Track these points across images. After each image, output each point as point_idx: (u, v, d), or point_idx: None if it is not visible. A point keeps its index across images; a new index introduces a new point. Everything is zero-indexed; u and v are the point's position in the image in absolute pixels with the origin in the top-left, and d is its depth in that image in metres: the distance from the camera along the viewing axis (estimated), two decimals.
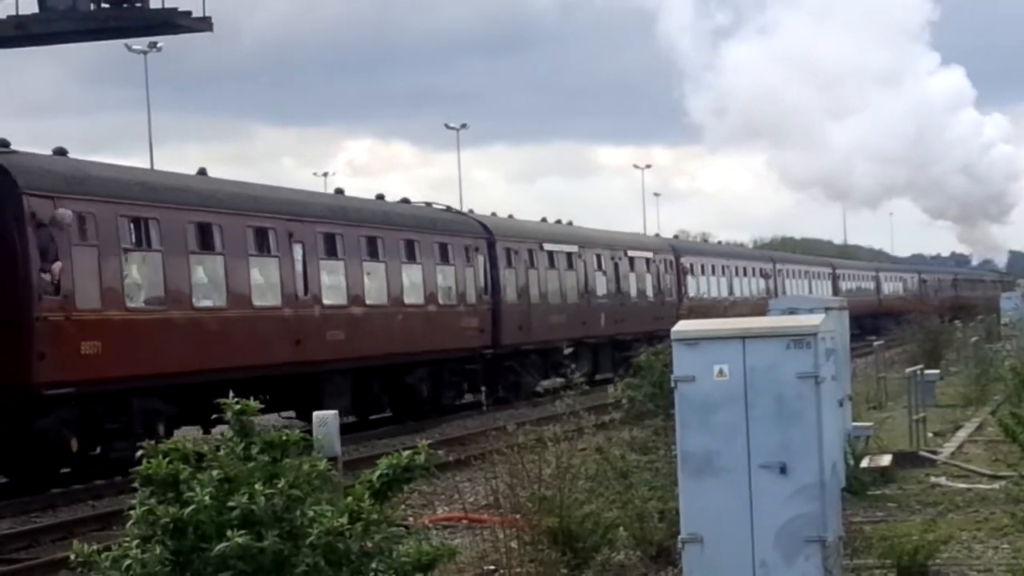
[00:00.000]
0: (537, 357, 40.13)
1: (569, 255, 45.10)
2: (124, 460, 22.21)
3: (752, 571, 11.94)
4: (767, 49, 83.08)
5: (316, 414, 14.03)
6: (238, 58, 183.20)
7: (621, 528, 14.46)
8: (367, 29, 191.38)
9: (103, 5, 29.81)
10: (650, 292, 51.57)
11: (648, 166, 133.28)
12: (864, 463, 19.82)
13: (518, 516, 13.97)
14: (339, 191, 36.86)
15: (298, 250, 30.06)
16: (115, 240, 24.91)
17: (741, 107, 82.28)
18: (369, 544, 8.47)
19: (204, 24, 30.64)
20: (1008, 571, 13.22)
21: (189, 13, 29.81)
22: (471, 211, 43.87)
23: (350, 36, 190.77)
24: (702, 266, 57.99)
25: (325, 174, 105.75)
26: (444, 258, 36.95)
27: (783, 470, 11.90)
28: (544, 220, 48.84)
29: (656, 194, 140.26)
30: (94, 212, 24.35)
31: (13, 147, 24.49)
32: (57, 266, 23.37)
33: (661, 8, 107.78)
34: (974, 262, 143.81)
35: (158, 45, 73.41)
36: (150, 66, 78.52)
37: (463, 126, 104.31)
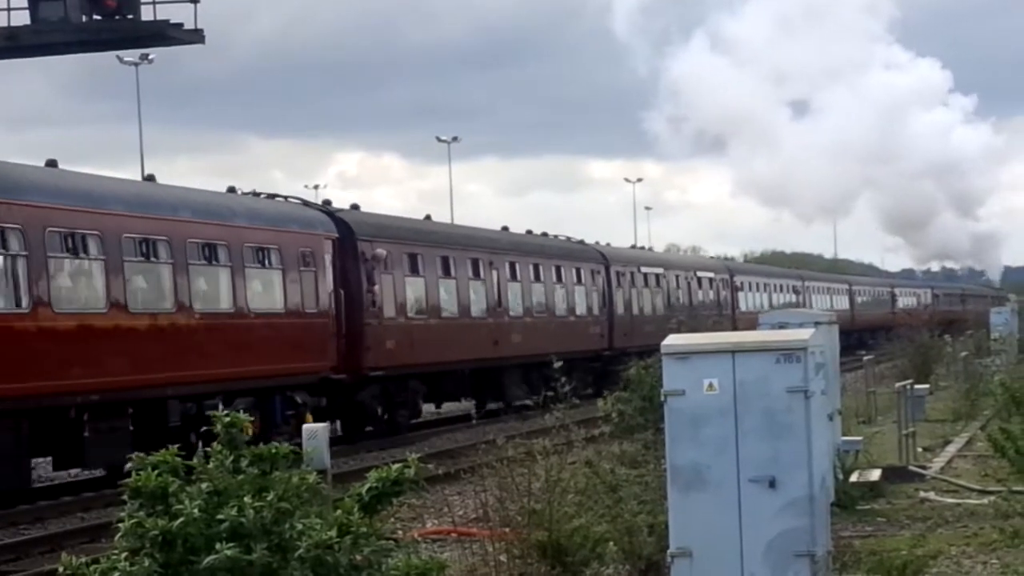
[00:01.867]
0: (636, 358, 42.82)
1: (657, 276, 54.75)
2: (402, 425, 35.03)
3: None
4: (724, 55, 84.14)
5: (306, 427, 14.06)
6: (230, 70, 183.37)
7: (610, 542, 14.44)
8: (359, 42, 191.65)
9: (95, 17, 29.77)
10: (713, 306, 59.71)
11: (639, 180, 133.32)
12: (853, 478, 19.83)
13: (507, 530, 13.95)
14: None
15: (495, 275, 40.47)
16: (402, 271, 35.33)
17: (700, 116, 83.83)
18: (358, 557, 8.47)
19: (196, 36, 30.58)
20: None
21: (181, 25, 29.73)
22: (584, 241, 52.94)
23: (342, 48, 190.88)
24: (749, 283, 68.21)
25: (316, 187, 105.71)
26: (579, 279, 47.19)
27: (772, 484, 11.90)
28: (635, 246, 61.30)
29: (648, 208, 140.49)
30: (391, 251, 34.41)
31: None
32: (376, 288, 33.35)
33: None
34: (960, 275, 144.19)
35: (150, 57, 73.38)
36: (141, 78, 78.53)
37: (454, 139, 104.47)
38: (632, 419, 19.63)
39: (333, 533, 8.33)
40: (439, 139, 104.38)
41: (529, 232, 48.13)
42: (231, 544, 8.05)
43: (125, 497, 8.60)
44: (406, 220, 39.97)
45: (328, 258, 31.88)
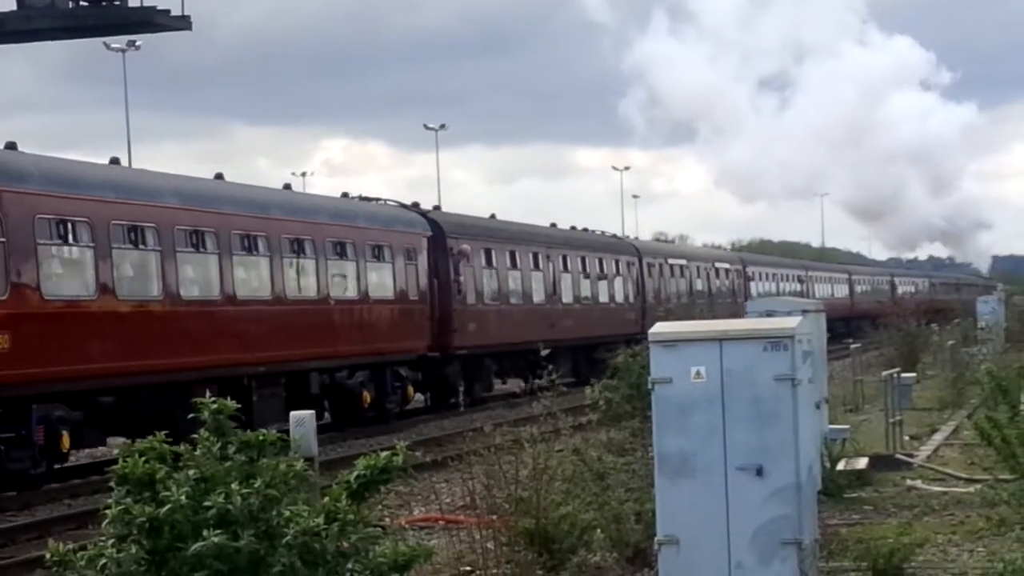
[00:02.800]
0: None
1: (681, 267, 60.18)
2: (477, 398, 38.93)
3: (728, 573, 11.96)
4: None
5: (293, 414, 14.05)
6: (216, 56, 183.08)
7: (598, 530, 14.46)
8: (345, 29, 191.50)
9: (82, 3, 29.70)
10: (729, 294, 64.71)
11: (627, 168, 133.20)
12: (840, 466, 19.85)
13: (495, 517, 13.97)
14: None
15: (551, 266, 45.95)
16: (479, 263, 40.69)
17: (669, 102, 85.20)
18: (345, 544, 8.47)
19: (183, 23, 30.51)
20: (983, 574, 13.25)
21: (168, 12, 29.67)
22: (617, 236, 60.00)
23: (328, 36, 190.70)
24: (760, 273, 73.90)
25: (304, 174, 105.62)
26: (617, 271, 52.11)
27: (759, 472, 11.92)
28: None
29: (635, 196, 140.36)
30: (469, 247, 39.50)
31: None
32: (461, 279, 38.64)
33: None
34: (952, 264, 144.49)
35: (137, 43, 73.22)
36: (127, 64, 78.36)
37: (442, 127, 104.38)
38: (619, 407, 19.61)
39: (320, 520, 8.32)
40: (427, 127, 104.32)
41: (573, 228, 53.62)
42: (218, 531, 8.04)
43: (112, 484, 8.59)
44: (480, 219, 45.12)
45: (425, 253, 37.54)
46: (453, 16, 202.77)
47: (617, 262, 52.26)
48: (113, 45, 73.77)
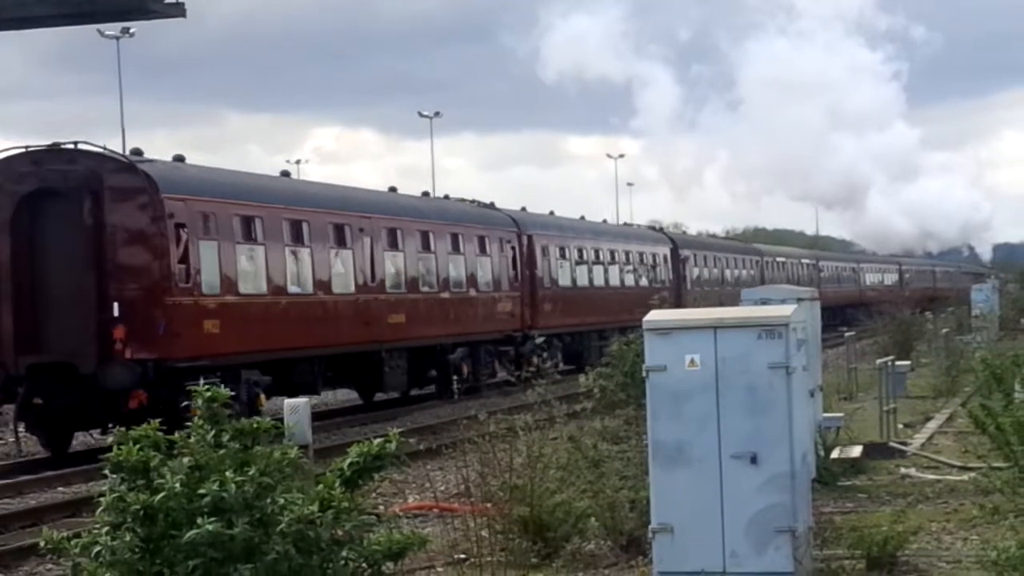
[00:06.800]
0: None
1: (715, 257, 66.87)
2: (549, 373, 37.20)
3: (722, 561, 11.97)
4: None
5: (287, 402, 14.06)
6: (208, 43, 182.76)
7: (592, 518, 14.48)
8: (337, 16, 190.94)
9: None
10: (748, 279, 68.35)
11: (621, 155, 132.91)
12: (835, 454, 19.87)
13: (489, 505, 13.97)
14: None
15: (605, 257, 51.57)
16: (555, 255, 46.43)
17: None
18: (339, 532, 8.48)
19: (178, 10, 30.45)
20: (977, 562, 13.26)
21: None
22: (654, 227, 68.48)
23: (320, 22, 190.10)
24: (773, 263, 77.99)
25: (298, 161, 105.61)
26: (654, 261, 56.98)
27: (754, 460, 11.93)
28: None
29: (629, 184, 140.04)
30: (547, 242, 45.93)
31: None
32: (540, 270, 44.63)
33: None
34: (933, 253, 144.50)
35: (131, 30, 73.10)
36: (116, 51, 78.12)
37: (436, 114, 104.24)
38: (614, 395, 19.61)
39: (315, 508, 8.33)
40: (421, 114, 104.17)
41: (604, 220, 59.46)
42: (213, 519, 8.04)
43: (107, 471, 8.58)
44: (553, 217, 51.62)
45: (514, 248, 43.04)
46: (442, 2, 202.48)
47: (655, 255, 58.57)
48: (107, 32, 73.65)
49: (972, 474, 18.50)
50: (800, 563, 11.96)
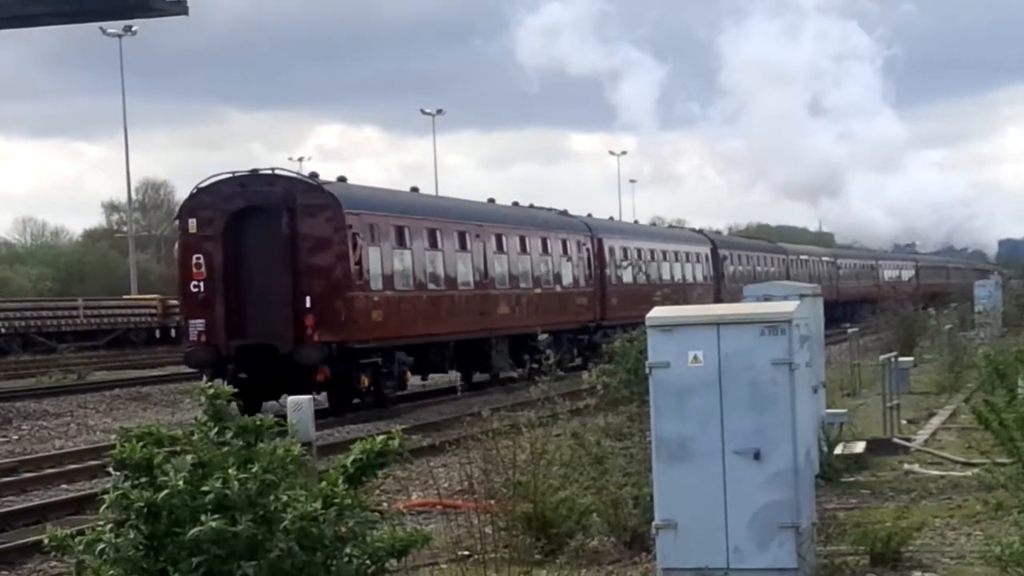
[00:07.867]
0: None
1: (752, 255, 73.39)
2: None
3: (726, 557, 11.98)
4: None
5: (290, 399, 14.05)
6: (210, 41, 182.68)
7: (595, 514, 14.47)
8: (336, 14, 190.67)
9: None
10: (776, 275, 72.31)
11: (624, 152, 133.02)
12: (838, 450, 19.85)
13: (492, 502, 13.97)
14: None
15: (660, 255, 57.80)
16: (620, 255, 52.61)
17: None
18: (343, 529, 8.48)
19: (180, 8, 30.54)
20: (980, 558, 13.27)
21: None
22: (697, 230, 72.98)
23: (322, 19, 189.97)
24: (796, 261, 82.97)
25: (300, 159, 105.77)
26: (697, 259, 62.55)
27: (757, 456, 11.93)
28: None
29: (632, 180, 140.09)
30: (614, 244, 52.76)
31: None
32: (609, 269, 51.09)
33: None
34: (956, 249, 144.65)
35: (133, 28, 73.15)
36: (117, 49, 78.19)
37: (439, 111, 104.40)
38: (617, 391, 19.60)
39: (318, 505, 8.33)
40: (423, 111, 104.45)
41: (671, 225, 65.69)
42: (216, 516, 8.05)
43: (110, 469, 8.59)
44: (616, 222, 59.21)
45: (588, 250, 48.89)
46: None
47: (698, 254, 63.80)
48: (110, 30, 73.69)
49: (975, 470, 18.48)
50: (804, 559, 11.97)
